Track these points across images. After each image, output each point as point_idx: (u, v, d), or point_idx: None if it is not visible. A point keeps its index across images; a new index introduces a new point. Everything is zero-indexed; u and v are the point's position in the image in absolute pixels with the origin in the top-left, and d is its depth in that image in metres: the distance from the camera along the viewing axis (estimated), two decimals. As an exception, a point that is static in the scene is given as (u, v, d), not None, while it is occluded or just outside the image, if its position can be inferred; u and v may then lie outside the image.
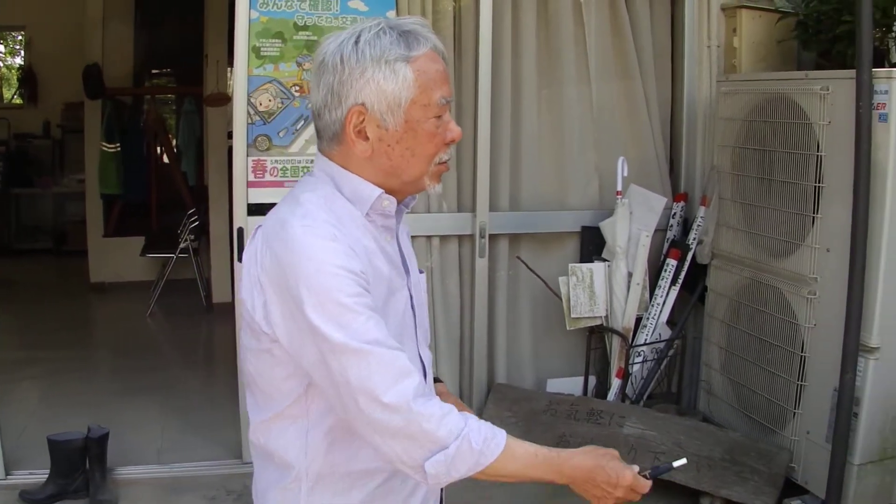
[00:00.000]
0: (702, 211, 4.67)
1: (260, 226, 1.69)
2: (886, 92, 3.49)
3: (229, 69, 7.58)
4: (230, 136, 8.70)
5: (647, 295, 4.73)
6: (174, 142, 9.16)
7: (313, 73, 1.71)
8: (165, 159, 9.22)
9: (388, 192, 1.70)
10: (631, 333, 4.67)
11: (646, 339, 4.70)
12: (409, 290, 1.81)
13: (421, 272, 1.91)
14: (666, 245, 4.86)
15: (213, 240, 7.56)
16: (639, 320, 4.72)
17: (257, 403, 1.75)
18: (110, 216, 8.40)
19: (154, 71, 9.44)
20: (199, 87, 7.86)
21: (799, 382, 3.99)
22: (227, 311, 7.20)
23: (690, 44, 4.80)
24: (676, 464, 1.77)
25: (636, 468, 1.69)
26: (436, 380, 2.00)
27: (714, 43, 4.74)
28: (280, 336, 1.60)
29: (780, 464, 3.98)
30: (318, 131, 1.73)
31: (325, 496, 1.70)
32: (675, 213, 4.87)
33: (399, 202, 1.75)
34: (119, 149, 8.05)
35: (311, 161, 4.07)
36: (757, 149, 4.24)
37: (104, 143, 7.95)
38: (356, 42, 1.62)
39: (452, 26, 4.62)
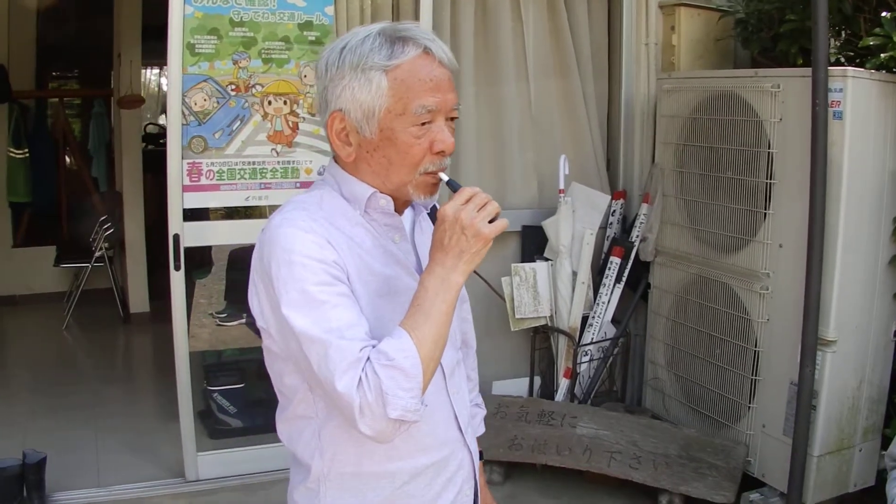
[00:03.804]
0: (644, 208, 4.68)
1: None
2: (841, 90, 3.55)
3: (144, 69, 7.27)
4: (144, 139, 8.43)
5: (591, 294, 4.72)
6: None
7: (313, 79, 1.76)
8: (75, 165, 8.77)
9: (388, 194, 1.70)
10: (577, 333, 4.65)
11: (592, 338, 4.69)
12: None
13: None
14: (607, 243, 4.86)
15: (129, 248, 7.26)
16: (584, 319, 4.70)
17: (280, 403, 1.78)
18: (19, 225, 7.97)
19: (55, 73, 8.97)
20: (108, 89, 7.57)
21: (753, 377, 4.04)
22: (145, 322, 7.09)
23: (628, 41, 4.81)
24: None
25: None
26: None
27: (652, 40, 4.75)
28: (272, 330, 1.63)
29: (738, 458, 4.02)
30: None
31: (341, 497, 1.70)
32: (614, 211, 4.88)
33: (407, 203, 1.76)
34: (28, 154, 7.66)
35: (248, 163, 4.02)
36: (702, 146, 4.27)
37: (11, 149, 7.56)
38: (342, 48, 1.64)
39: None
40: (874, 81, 3.59)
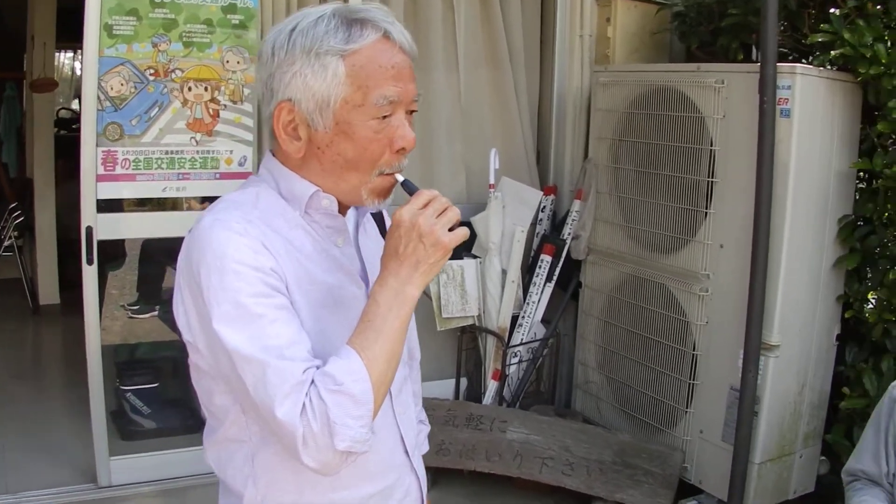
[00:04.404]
0: (576, 205, 4.53)
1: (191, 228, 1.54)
2: (789, 87, 3.45)
3: (58, 52, 6.90)
4: (57, 123, 8.00)
5: (520, 293, 4.55)
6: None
7: (257, 63, 1.58)
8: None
9: (332, 194, 1.55)
10: (507, 333, 4.48)
11: (522, 339, 4.52)
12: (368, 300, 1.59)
13: None
14: (537, 240, 4.69)
15: (39, 237, 6.88)
16: (514, 319, 4.53)
17: (207, 423, 1.61)
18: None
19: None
20: (20, 72, 7.23)
21: (690, 381, 3.93)
22: (55, 314, 6.81)
23: (562, 33, 4.65)
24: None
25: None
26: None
27: (587, 32, 4.60)
28: (200, 345, 1.47)
29: (674, 464, 3.91)
30: (266, 125, 1.59)
31: None
32: (543, 207, 4.71)
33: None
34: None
35: (166, 153, 3.73)
36: (639, 141, 4.14)
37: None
38: (292, 30, 1.48)
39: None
40: (822, 79, 3.50)
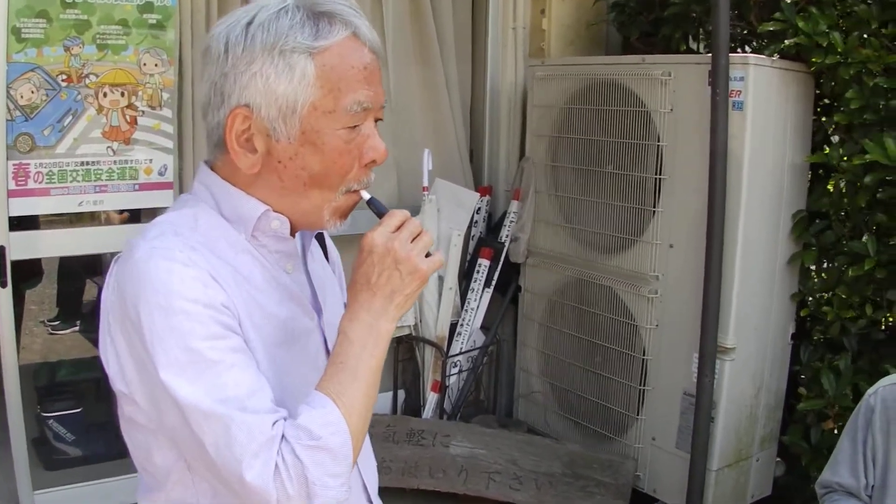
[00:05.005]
0: (514, 206, 4.33)
1: (118, 255, 1.32)
2: (742, 78, 3.30)
3: None
4: None
5: (458, 300, 4.34)
6: None
7: (201, 62, 1.36)
8: None
9: (285, 215, 1.36)
10: (446, 342, 4.26)
11: (461, 348, 4.30)
12: (323, 331, 1.46)
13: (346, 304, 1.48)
14: (472, 243, 4.48)
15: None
16: (453, 327, 4.31)
17: (140, 480, 1.40)
18: None
19: None
20: None
21: (641, 387, 3.77)
22: None
23: (495, 26, 4.43)
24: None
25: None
26: None
27: (521, 25, 4.39)
28: (138, 396, 1.26)
29: (627, 474, 3.75)
30: (207, 135, 1.38)
31: None
32: (479, 209, 4.50)
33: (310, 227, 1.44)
34: None
35: (82, 164, 3.42)
36: (580, 138, 3.96)
37: None
38: (248, 23, 1.28)
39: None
40: (775, 69, 3.36)
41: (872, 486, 2.31)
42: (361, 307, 1.29)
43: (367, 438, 1.54)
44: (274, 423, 1.19)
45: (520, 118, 4.44)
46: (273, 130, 1.28)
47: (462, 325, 4.32)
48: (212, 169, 1.38)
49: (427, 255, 1.32)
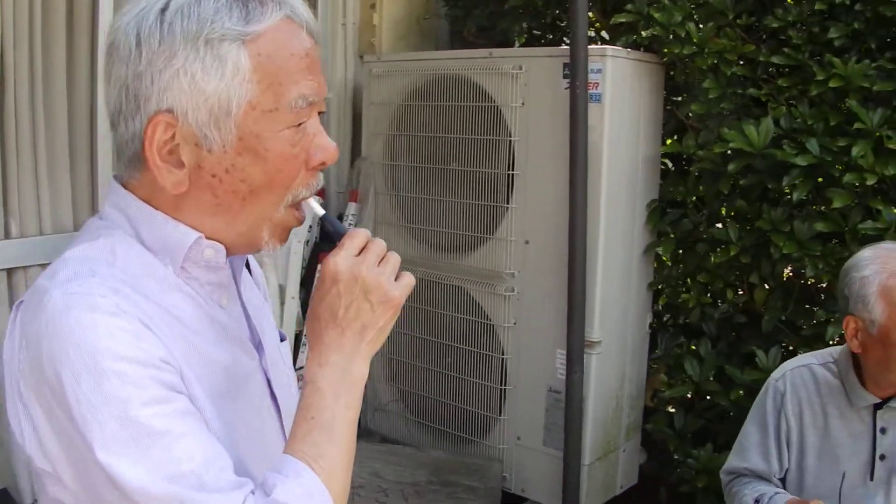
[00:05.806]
0: (352, 208, 4.15)
1: (21, 301, 1.08)
2: (600, 70, 3.30)
3: None
4: None
5: (300, 310, 4.11)
6: None
7: (105, 61, 1.10)
8: None
9: (217, 239, 1.14)
10: (292, 354, 4.02)
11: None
12: (265, 371, 1.25)
13: (283, 339, 1.38)
14: (308, 249, 4.26)
15: None
16: (297, 338, 4.08)
17: None
18: None
19: None
20: None
21: (502, 386, 3.71)
22: None
23: (323, 21, 4.19)
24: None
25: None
26: None
27: (350, 20, 4.21)
28: (66, 476, 1.01)
29: (494, 476, 3.68)
30: (116, 148, 1.13)
31: None
32: (311, 213, 4.28)
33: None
34: None
35: None
36: (422, 135, 3.85)
37: None
38: (163, 9, 1.04)
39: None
40: (630, 61, 3.38)
41: (787, 470, 2.33)
42: (329, 348, 1.12)
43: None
44: (244, 500, 0.99)
45: (350, 116, 4.26)
46: (204, 138, 1.07)
47: (305, 335, 4.10)
48: (125, 187, 1.14)
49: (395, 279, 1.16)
